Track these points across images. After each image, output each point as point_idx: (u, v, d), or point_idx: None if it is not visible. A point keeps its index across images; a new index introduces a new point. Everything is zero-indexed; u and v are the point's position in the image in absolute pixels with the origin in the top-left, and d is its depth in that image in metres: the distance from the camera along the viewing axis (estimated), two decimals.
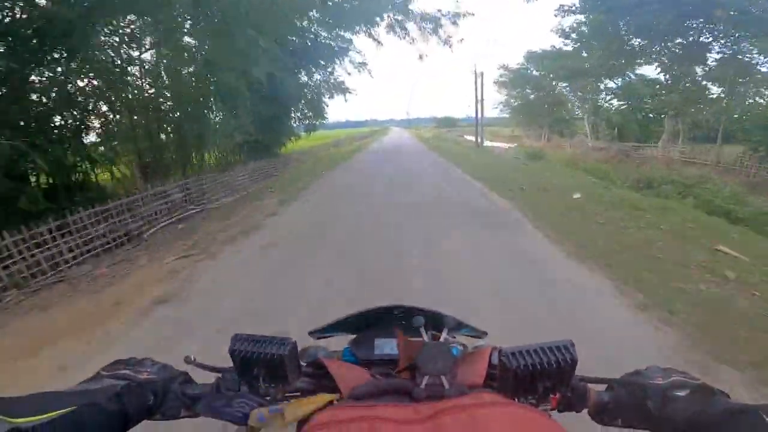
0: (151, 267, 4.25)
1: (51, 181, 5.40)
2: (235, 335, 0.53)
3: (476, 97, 23.03)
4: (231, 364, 0.54)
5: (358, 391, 0.49)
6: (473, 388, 0.49)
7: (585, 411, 0.54)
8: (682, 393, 0.47)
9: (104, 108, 6.36)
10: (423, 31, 14.12)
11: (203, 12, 6.60)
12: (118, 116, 6.70)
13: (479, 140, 23.02)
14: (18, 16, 4.59)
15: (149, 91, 7.16)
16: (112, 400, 0.46)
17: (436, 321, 0.59)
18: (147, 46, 6.85)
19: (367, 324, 0.65)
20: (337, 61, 13.91)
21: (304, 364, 0.58)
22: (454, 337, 0.64)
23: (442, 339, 0.54)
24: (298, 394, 0.55)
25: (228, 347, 0.52)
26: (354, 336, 0.67)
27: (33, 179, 5.18)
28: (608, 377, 0.54)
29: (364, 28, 13.05)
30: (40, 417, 0.38)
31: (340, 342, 0.68)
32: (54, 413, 0.40)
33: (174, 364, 0.59)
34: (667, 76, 16.52)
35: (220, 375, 0.57)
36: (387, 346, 0.62)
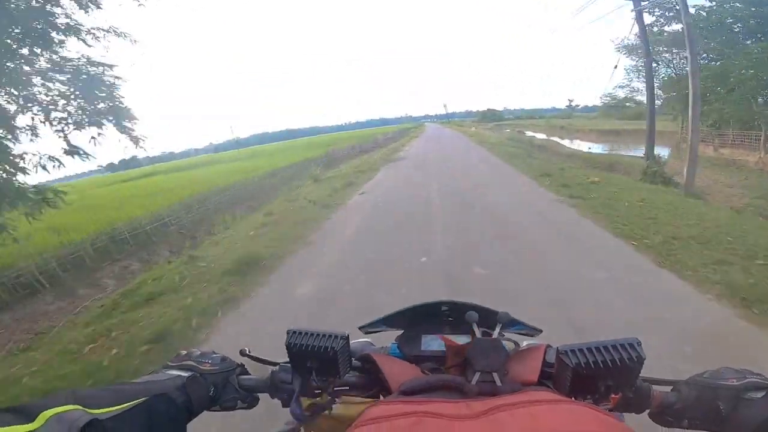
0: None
1: None
2: (290, 330, 0.54)
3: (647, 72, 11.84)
4: (283, 357, 0.56)
5: (408, 387, 0.48)
6: (527, 386, 0.48)
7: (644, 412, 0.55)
8: (757, 395, 0.44)
9: None
10: None
11: None
12: None
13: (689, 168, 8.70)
14: None
15: None
16: (179, 390, 0.49)
17: (488, 317, 0.55)
18: None
19: (414, 320, 0.64)
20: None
21: (353, 359, 0.58)
22: (503, 334, 0.57)
23: (494, 335, 0.52)
24: (347, 387, 0.58)
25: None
26: (401, 332, 0.66)
27: None
28: (674, 379, 0.53)
29: None
30: (116, 408, 0.40)
31: (388, 337, 0.68)
32: (128, 404, 0.42)
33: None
34: None
35: (274, 367, 0.59)
36: (434, 343, 0.61)
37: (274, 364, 0.59)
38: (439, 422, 0.37)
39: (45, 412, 0.36)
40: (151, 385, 0.47)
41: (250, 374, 0.59)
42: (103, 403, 0.40)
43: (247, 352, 0.59)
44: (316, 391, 0.56)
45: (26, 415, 0.35)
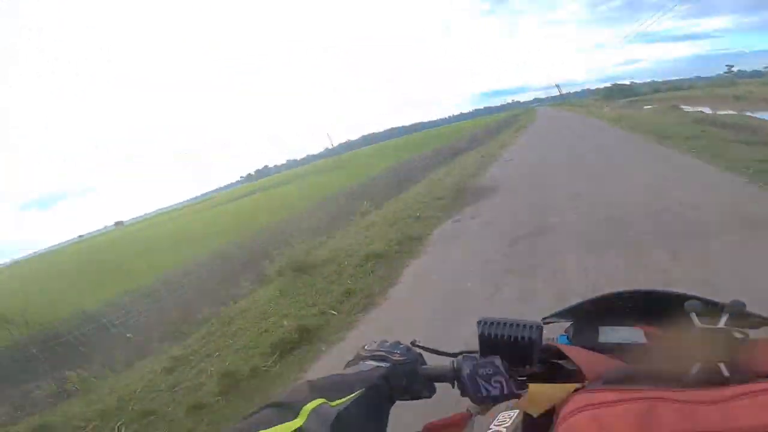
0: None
1: None
2: (482, 319, 0.56)
3: None
4: (453, 349, 0.61)
5: (612, 375, 0.45)
6: (761, 379, 0.40)
7: None
8: None
9: None
10: None
11: None
12: None
13: None
14: None
15: None
16: (382, 380, 0.51)
17: (710, 307, 0.51)
18: None
19: (592, 311, 0.63)
20: None
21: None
22: (729, 325, 0.52)
23: (721, 324, 0.48)
24: (524, 378, 0.57)
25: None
26: (570, 322, 0.65)
27: None
28: None
29: None
30: (345, 399, 0.44)
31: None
32: (353, 395, 0.45)
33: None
34: None
35: (456, 357, 0.59)
36: (615, 333, 0.59)
37: (449, 354, 0.61)
38: (678, 406, 0.35)
39: (305, 407, 0.39)
40: (364, 375, 0.51)
41: (427, 364, 0.60)
42: (337, 394, 0.44)
43: (418, 342, 0.62)
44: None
45: (289, 411, 0.39)
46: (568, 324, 0.65)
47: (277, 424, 0.36)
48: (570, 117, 30.48)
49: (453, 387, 0.59)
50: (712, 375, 0.42)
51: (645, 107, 31.94)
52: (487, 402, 0.55)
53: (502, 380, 0.53)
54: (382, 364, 0.54)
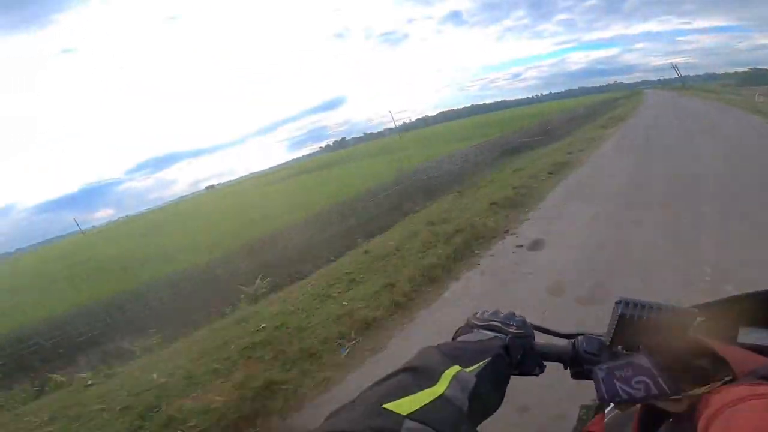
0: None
1: None
2: (622, 299, 0.50)
3: None
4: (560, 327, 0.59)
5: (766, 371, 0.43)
6: None
7: None
8: None
9: None
10: None
11: None
12: None
13: None
14: None
15: None
16: (504, 351, 0.50)
17: None
18: None
19: (730, 310, 0.59)
20: None
21: None
22: None
23: None
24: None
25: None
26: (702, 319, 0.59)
27: None
28: None
29: None
30: (476, 366, 0.44)
31: None
32: (483, 362, 0.45)
33: None
34: None
35: (578, 337, 0.56)
36: (757, 335, 0.55)
37: (565, 335, 0.59)
38: None
39: (445, 373, 0.39)
40: (487, 344, 0.50)
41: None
42: (468, 361, 0.44)
43: (529, 321, 0.60)
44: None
45: (426, 376, 0.39)
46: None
47: (417, 391, 0.36)
48: (702, 110, 18.99)
49: (565, 368, 0.56)
50: None
51: None
52: (620, 402, 0.48)
53: (649, 381, 0.45)
54: (500, 335, 0.53)
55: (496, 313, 0.58)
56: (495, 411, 0.47)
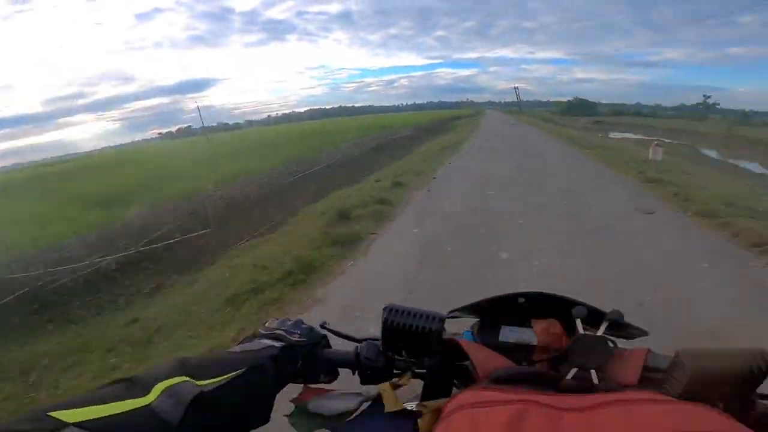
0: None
1: None
2: (388, 306, 0.54)
3: None
4: (363, 335, 0.60)
5: (500, 375, 0.47)
6: (626, 388, 0.46)
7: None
8: None
9: None
10: None
11: None
12: None
13: None
14: None
15: None
16: (272, 361, 0.49)
17: (592, 314, 0.54)
18: None
19: (496, 309, 0.63)
20: None
21: None
22: (607, 334, 0.55)
23: (600, 332, 0.51)
24: (424, 371, 0.58)
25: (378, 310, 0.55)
26: (476, 320, 0.66)
27: None
28: None
29: None
30: (219, 379, 0.41)
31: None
32: (230, 375, 0.43)
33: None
34: None
35: (359, 343, 0.59)
36: (513, 333, 0.60)
37: (356, 339, 0.61)
38: (547, 411, 0.37)
39: (158, 384, 0.37)
40: (248, 355, 0.48)
41: (331, 348, 0.60)
42: (208, 373, 0.41)
43: (327, 325, 0.61)
44: (396, 372, 0.57)
45: (140, 387, 0.36)
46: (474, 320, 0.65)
47: (116, 401, 0.34)
48: (524, 135, 19.82)
49: (353, 374, 0.58)
50: (583, 381, 0.45)
51: (626, 137, 23.76)
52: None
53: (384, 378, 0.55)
54: (276, 344, 0.52)
55: (284, 321, 0.58)
56: (261, 423, 0.46)
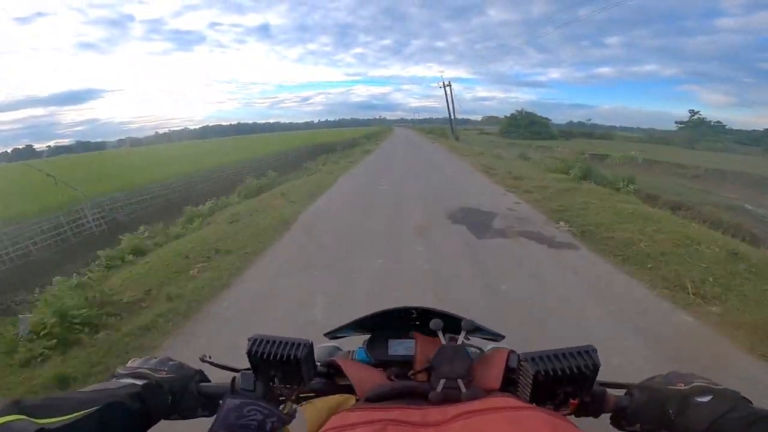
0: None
1: None
2: (252, 337, 0.54)
3: None
4: (246, 364, 0.56)
5: (373, 393, 0.49)
6: (490, 392, 0.49)
7: (602, 416, 0.54)
8: (703, 399, 0.46)
9: None
10: None
11: None
12: None
13: None
14: None
15: None
16: (133, 399, 0.47)
17: (452, 324, 0.58)
18: None
19: (381, 325, 0.66)
20: None
21: (319, 365, 0.59)
22: (468, 339, 0.59)
23: (459, 342, 0.54)
24: (313, 394, 0.59)
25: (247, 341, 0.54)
26: (368, 336, 0.68)
27: None
28: (627, 382, 0.55)
29: None
30: (64, 417, 0.39)
31: (353, 342, 0.71)
32: (79, 413, 0.41)
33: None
34: None
35: (235, 374, 0.58)
36: (401, 347, 0.64)
37: (236, 370, 0.59)
38: (402, 430, 0.39)
39: None
40: (102, 394, 0.46)
41: (210, 381, 0.58)
42: (51, 413, 0.39)
43: (208, 358, 0.60)
44: (281, 398, 0.57)
45: None
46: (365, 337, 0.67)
47: None
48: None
49: None
50: (452, 391, 0.47)
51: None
52: (265, 430, 0.51)
53: (255, 407, 0.51)
54: (138, 382, 0.50)
55: (147, 359, 0.56)
56: None
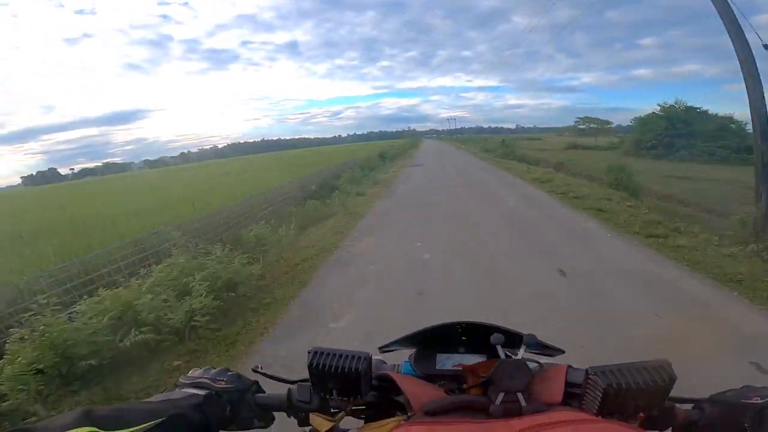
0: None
1: None
2: (313, 349, 0.55)
3: None
4: (298, 376, 0.60)
5: (431, 407, 0.48)
6: (552, 406, 0.48)
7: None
8: None
9: None
10: None
11: None
12: None
13: None
14: None
15: None
16: (195, 410, 0.48)
17: (511, 338, 0.58)
18: None
19: (431, 339, 0.66)
20: None
21: (373, 377, 0.59)
22: (527, 356, 0.58)
23: (519, 356, 0.54)
24: (364, 407, 0.60)
25: (309, 349, 0.55)
26: (414, 350, 0.67)
27: None
28: (697, 397, 0.55)
29: None
30: (131, 429, 0.40)
31: (399, 356, 0.70)
32: (145, 425, 0.41)
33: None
34: None
35: (291, 386, 0.60)
36: (449, 362, 0.63)
37: (290, 381, 0.61)
38: None
39: None
40: (167, 405, 0.47)
41: (265, 392, 0.59)
42: (119, 424, 0.40)
43: (260, 369, 0.62)
44: (333, 411, 0.57)
45: None
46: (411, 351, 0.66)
47: None
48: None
49: (289, 416, 0.58)
50: (512, 405, 0.47)
51: None
52: None
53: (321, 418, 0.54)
54: (200, 392, 0.51)
55: (208, 369, 0.57)
56: None
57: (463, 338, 0.64)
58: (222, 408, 0.52)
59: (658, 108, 27.07)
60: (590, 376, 0.47)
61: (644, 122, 27.59)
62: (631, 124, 31.76)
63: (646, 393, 0.45)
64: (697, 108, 26.01)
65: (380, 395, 0.57)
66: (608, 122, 43.70)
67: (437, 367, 0.62)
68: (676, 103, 26.54)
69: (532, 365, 0.58)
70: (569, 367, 0.54)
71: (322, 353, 0.54)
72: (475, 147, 39.83)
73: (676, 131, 24.32)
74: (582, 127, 47.38)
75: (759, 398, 0.47)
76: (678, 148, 23.32)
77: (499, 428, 0.40)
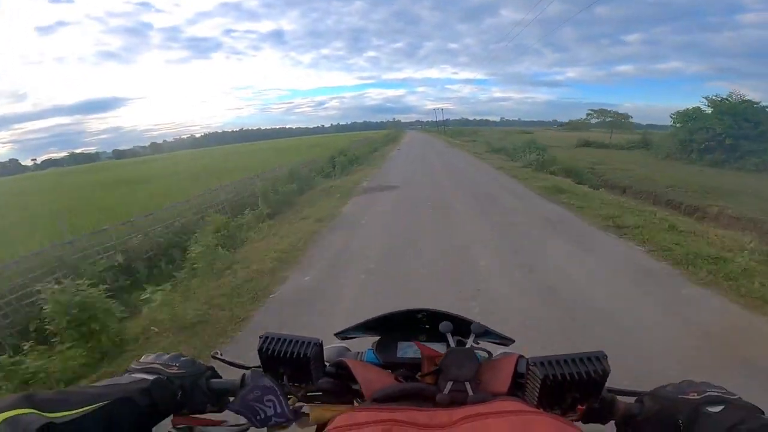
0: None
1: None
2: (264, 335, 0.55)
3: None
4: (257, 362, 0.58)
5: (380, 394, 0.49)
6: (497, 396, 0.49)
7: (610, 423, 0.52)
8: (715, 409, 0.46)
9: None
10: None
11: None
12: None
13: None
14: None
15: None
16: (142, 394, 0.48)
17: (462, 326, 0.59)
18: None
19: (391, 327, 0.66)
20: None
21: (328, 364, 0.60)
22: (478, 343, 0.60)
23: (468, 345, 0.54)
24: (320, 393, 0.58)
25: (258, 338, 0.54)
26: (378, 338, 0.68)
27: None
28: (638, 390, 0.54)
29: None
30: (73, 411, 0.40)
31: (363, 343, 0.68)
32: (87, 408, 0.42)
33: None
34: None
35: (246, 371, 0.59)
36: (410, 350, 0.63)
37: (246, 367, 0.60)
38: (408, 431, 0.39)
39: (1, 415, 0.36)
40: (112, 389, 0.47)
41: (221, 377, 0.60)
42: (61, 407, 0.40)
43: (219, 355, 0.61)
44: (288, 396, 0.57)
45: None
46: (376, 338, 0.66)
47: None
48: None
49: None
50: (459, 394, 0.47)
51: None
52: (267, 424, 0.53)
53: (274, 399, 0.53)
54: (148, 377, 0.51)
55: (160, 355, 0.57)
56: None
57: (427, 326, 0.65)
58: (172, 392, 0.52)
59: (705, 102, 22.34)
60: (530, 367, 0.48)
61: (692, 118, 22.19)
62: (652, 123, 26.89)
63: (582, 384, 0.46)
64: (758, 104, 20.71)
65: (340, 382, 0.57)
66: (627, 116, 38.13)
67: (398, 355, 0.63)
68: (730, 96, 21.81)
69: (481, 354, 0.60)
70: (519, 356, 0.55)
71: (273, 339, 0.54)
72: (468, 142, 34.87)
73: (742, 132, 19.60)
74: (596, 120, 41.00)
75: (696, 394, 0.47)
76: (743, 153, 18.67)
77: (441, 416, 0.41)
